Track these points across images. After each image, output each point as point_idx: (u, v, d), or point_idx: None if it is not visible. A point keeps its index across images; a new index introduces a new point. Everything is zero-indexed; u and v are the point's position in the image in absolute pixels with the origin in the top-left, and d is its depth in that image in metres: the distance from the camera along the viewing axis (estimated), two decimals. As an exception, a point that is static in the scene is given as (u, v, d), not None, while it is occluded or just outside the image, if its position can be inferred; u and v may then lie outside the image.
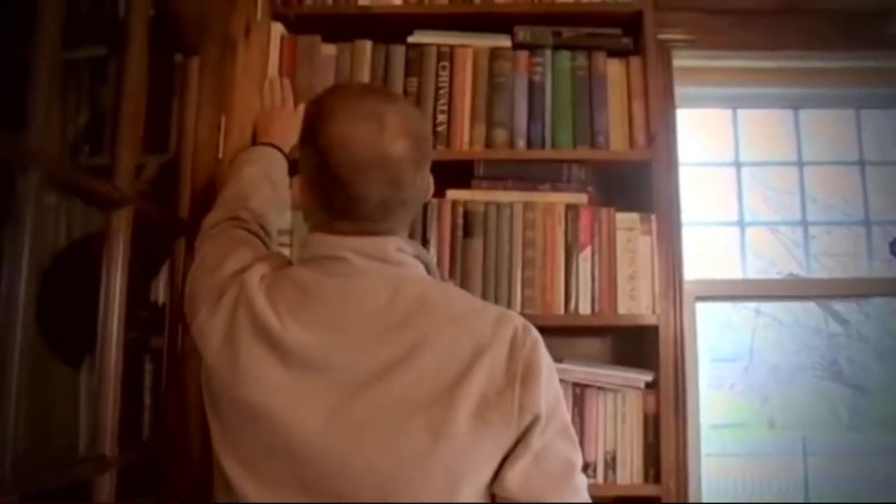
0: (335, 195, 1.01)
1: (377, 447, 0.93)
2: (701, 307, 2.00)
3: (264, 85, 1.68)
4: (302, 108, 1.61)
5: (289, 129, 1.54)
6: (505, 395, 0.94)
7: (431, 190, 1.12)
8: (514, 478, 0.95)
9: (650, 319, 1.64)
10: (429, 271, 1.09)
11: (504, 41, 1.76)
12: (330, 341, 0.98)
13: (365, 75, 1.74)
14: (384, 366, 0.95)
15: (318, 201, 1.05)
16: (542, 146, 1.71)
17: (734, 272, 2.14)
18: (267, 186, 1.36)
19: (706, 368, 2.08)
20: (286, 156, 1.49)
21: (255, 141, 1.57)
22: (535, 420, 0.95)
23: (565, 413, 1.01)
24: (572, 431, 1.01)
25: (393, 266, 1.03)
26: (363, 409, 0.94)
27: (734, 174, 2.22)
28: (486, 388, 0.94)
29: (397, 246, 1.04)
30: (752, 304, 2.22)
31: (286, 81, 1.70)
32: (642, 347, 1.72)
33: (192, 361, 1.32)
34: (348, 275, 1.02)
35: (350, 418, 0.94)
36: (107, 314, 1.11)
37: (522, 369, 0.96)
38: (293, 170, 1.60)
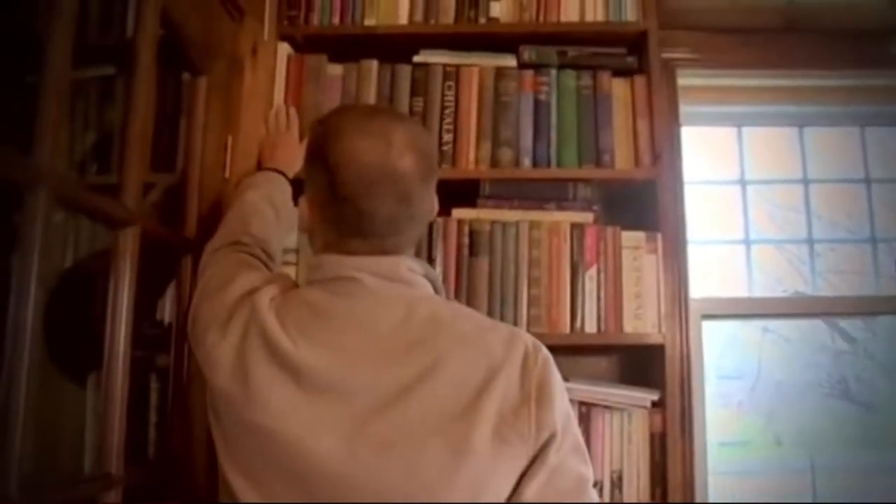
0: (344, 212, 1.02)
1: (400, 469, 0.92)
2: (707, 325, 1.99)
3: (270, 113, 1.69)
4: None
5: (293, 155, 1.56)
6: (521, 414, 0.95)
7: (436, 208, 1.12)
8: (531, 495, 0.95)
9: (656, 338, 1.64)
10: (436, 290, 1.09)
11: (509, 60, 1.77)
12: (345, 363, 0.97)
13: (371, 95, 1.75)
14: (401, 387, 0.95)
15: (326, 220, 1.05)
16: (548, 165, 1.71)
17: (740, 290, 2.13)
18: (269, 210, 1.36)
19: (713, 386, 2.07)
20: (290, 181, 1.49)
21: (259, 167, 1.58)
22: (552, 437, 0.96)
23: (577, 429, 1.02)
24: (584, 447, 1.02)
25: (404, 286, 1.04)
26: (383, 431, 0.93)
27: (739, 192, 2.21)
28: (502, 407, 0.95)
29: (408, 266, 1.05)
30: (758, 322, 2.20)
31: (292, 110, 1.71)
32: (648, 366, 1.72)
33: (198, 380, 1.33)
34: (361, 295, 1.02)
35: (370, 441, 0.93)
36: (113, 332, 1.11)
37: (536, 388, 0.97)
38: (298, 192, 1.61)
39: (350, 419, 0.94)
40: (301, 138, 1.66)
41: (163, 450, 1.36)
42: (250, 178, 1.47)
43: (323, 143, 1.03)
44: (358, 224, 1.02)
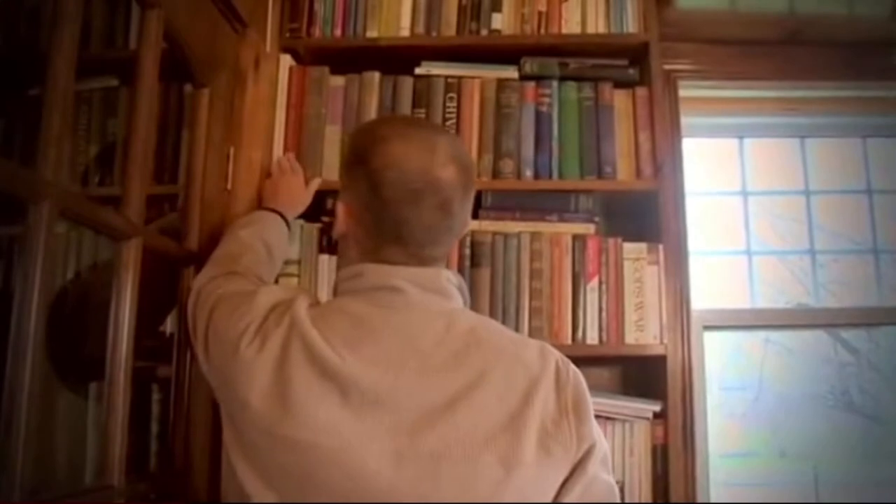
0: (384, 217, 1.02)
1: (452, 482, 0.92)
2: (709, 336, 2.00)
3: (273, 163, 1.68)
4: (315, 182, 1.65)
5: (297, 197, 1.58)
6: (562, 426, 0.97)
7: (470, 223, 1.13)
8: None
9: (658, 349, 1.64)
10: (464, 303, 1.10)
11: (511, 72, 1.78)
12: (392, 377, 0.96)
13: (373, 106, 1.76)
14: (448, 400, 0.95)
15: (364, 226, 1.05)
16: (550, 176, 1.72)
17: (742, 301, 2.13)
18: (261, 247, 1.33)
19: (715, 398, 2.07)
20: (288, 223, 1.48)
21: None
22: (591, 449, 0.99)
23: (605, 441, 1.04)
24: (609, 457, 1.05)
25: (443, 298, 1.05)
26: (433, 445, 0.93)
27: (741, 203, 2.22)
28: (544, 419, 0.97)
29: (447, 277, 1.06)
30: (761, 333, 2.20)
31: (291, 155, 1.70)
32: (650, 377, 1.72)
33: (200, 391, 1.33)
34: (403, 307, 1.02)
35: (420, 455, 0.92)
36: (115, 344, 1.12)
37: (572, 401, 1.00)
38: (319, 212, 1.64)
39: (398, 433, 0.93)
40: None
41: (164, 461, 1.36)
42: (244, 217, 1.44)
43: (365, 148, 1.04)
44: (397, 231, 1.02)
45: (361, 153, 1.05)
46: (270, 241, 1.37)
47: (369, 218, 1.04)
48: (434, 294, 1.04)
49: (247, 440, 0.98)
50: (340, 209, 1.08)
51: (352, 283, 1.06)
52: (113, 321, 1.12)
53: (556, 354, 1.04)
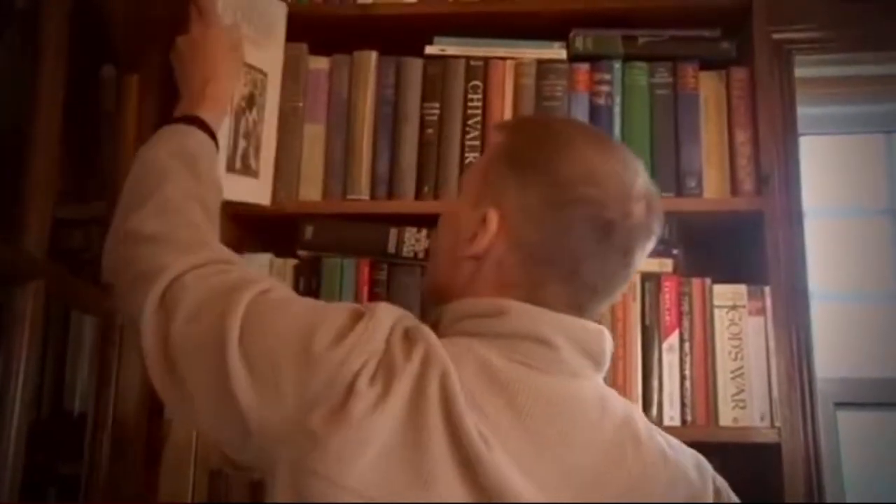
0: (562, 247, 1.04)
1: None
2: (844, 417, 1.97)
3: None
4: (237, 33, 1.47)
5: (223, 89, 1.40)
6: None
7: None
8: None
9: (767, 435, 1.63)
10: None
11: (556, 51, 1.79)
12: (539, 487, 0.95)
13: (368, 97, 1.78)
14: None
15: (523, 251, 1.06)
16: (610, 193, 1.72)
17: (890, 366, 2.11)
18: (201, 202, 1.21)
19: (855, 500, 2.04)
20: (215, 138, 1.33)
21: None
22: None
23: None
24: None
25: (597, 368, 1.07)
26: None
27: (890, 225, 2.20)
28: None
29: (609, 340, 1.08)
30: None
31: None
32: (757, 473, 1.70)
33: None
34: (554, 370, 1.02)
35: None
36: (2, 427, 1.13)
37: None
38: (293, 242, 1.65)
39: None
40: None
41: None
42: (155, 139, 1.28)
43: (548, 147, 1.08)
44: (572, 268, 1.05)
45: (539, 153, 1.07)
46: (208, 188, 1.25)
47: (536, 240, 1.05)
48: (587, 359, 1.05)
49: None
50: (493, 219, 1.07)
51: (484, 322, 1.04)
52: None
53: (710, 468, 1.10)
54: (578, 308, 1.06)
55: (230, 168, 1.51)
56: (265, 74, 1.61)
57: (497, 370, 0.99)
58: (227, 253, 1.15)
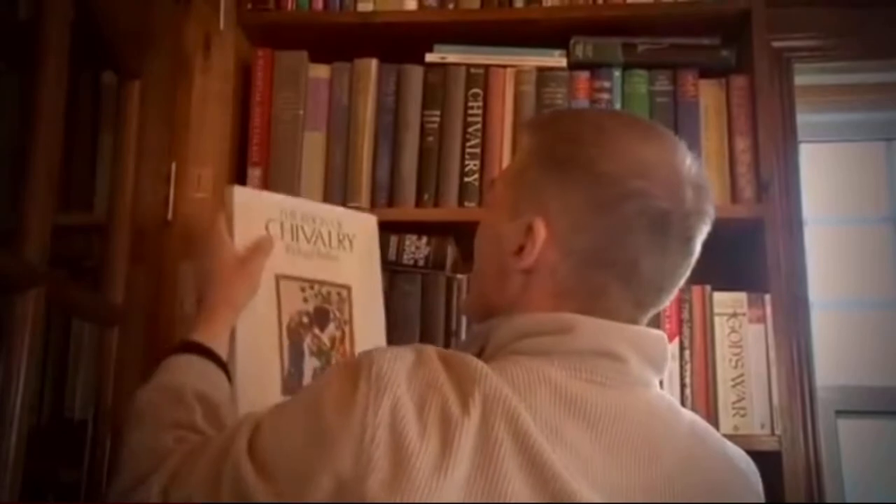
0: (616, 248, 0.97)
1: None
2: (845, 425, 1.97)
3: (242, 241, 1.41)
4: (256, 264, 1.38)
5: (232, 292, 1.34)
6: None
7: None
8: None
9: (768, 443, 1.63)
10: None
11: (556, 58, 1.80)
12: None
13: (369, 105, 1.79)
14: None
15: (575, 258, 0.99)
16: (611, 200, 1.72)
17: (891, 374, 2.10)
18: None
19: (857, 510, 2.04)
20: (223, 365, 1.27)
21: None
22: None
23: None
24: None
25: (658, 375, 1.03)
26: None
27: (890, 233, 2.20)
28: None
29: (670, 348, 1.07)
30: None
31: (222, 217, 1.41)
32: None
33: None
34: (624, 385, 0.97)
35: None
36: (2, 434, 1.12)
37: None
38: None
39: None
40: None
41: None
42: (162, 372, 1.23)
43: (588, 141, 1.01)
44: (631, 270, 0.98)
45: (576, 148, 1.01)
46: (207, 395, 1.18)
47: (587, 244, 0.98)
48: (652, 367, 1.00)
49: None
50: (539, 227, 0.99)
51: (549, 340, 0.97)
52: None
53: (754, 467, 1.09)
54: (642, 307, 1.01)
55: (286, 391, 1.39)
56: (346, 288, 1.51)
57: (573, 393, 0.92)
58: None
